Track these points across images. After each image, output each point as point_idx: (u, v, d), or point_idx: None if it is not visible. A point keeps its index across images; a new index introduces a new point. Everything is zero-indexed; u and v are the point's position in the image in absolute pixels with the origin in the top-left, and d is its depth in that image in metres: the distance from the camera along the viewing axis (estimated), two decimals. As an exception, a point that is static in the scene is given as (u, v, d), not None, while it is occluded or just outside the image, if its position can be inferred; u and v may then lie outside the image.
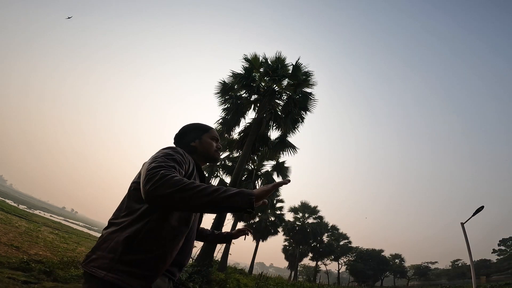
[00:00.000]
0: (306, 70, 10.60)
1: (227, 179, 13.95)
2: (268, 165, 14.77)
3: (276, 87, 10.78)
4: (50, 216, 38.66)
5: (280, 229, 28.61)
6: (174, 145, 1.35)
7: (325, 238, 40.48)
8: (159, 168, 0.94)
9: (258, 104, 10.73)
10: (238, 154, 11.80)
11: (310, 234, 35.28)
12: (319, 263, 41.38)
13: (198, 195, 0.86)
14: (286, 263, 42.41)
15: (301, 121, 10.80)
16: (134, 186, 1.11)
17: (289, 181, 1.02)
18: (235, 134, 11.14)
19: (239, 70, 10.66)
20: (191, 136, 1.42)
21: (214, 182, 13.95)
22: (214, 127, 1.50)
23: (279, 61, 10.61)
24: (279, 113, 10.83)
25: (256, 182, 14.11)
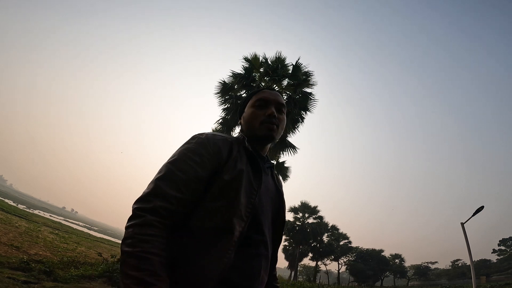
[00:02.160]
0: (306, 70, 10.59)
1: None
2: (268, 165, 14.75)
3: (276, 87, 10.77)
4: (50, 216, 38.71)
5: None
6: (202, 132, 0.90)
7: (325, 238, 40.51)
8: (133, 220, 0.68)
9: (258, 104, 10.73)
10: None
11: (310, 234, 35.32)
12: (319, 263, 41.37)
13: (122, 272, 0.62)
14: (286, 263, 42.63)
15: (301, 121, 10.79)
16: None
17: None
18: (235, 134, 11.10)
19: (239, 70, 10.64)
20: (240, 112, 1.02)
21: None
22: (262, 91, 0.99)
23: (279, 61, 10.59)
24: (279, 113, 10.83)
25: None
